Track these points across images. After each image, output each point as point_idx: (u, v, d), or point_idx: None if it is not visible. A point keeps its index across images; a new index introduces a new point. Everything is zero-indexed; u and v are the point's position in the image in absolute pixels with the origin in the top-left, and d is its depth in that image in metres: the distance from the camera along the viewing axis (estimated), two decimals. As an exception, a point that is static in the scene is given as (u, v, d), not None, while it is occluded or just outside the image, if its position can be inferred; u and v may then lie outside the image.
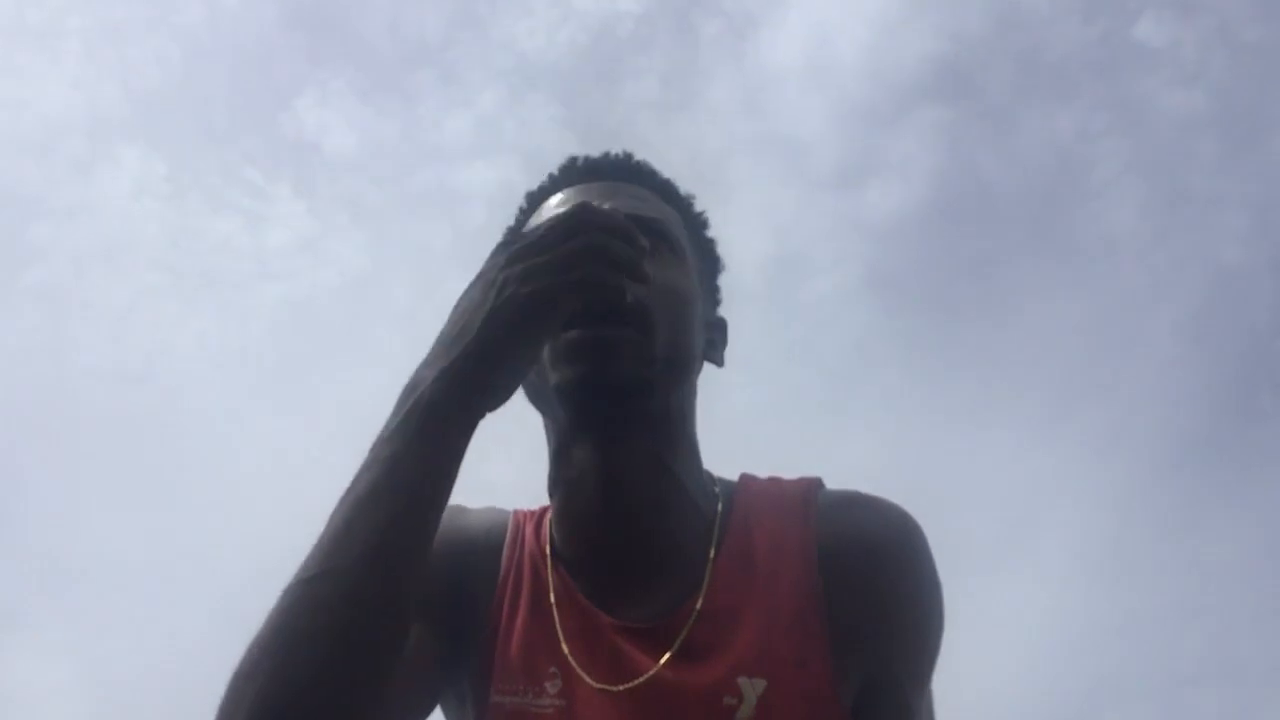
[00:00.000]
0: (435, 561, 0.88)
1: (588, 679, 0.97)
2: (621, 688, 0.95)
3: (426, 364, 0.88)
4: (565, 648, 0.99)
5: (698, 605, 0.97)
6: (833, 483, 1.06)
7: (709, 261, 1.15)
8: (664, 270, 1.01)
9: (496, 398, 0.88)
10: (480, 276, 0.89)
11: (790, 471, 1.09)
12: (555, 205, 1.07)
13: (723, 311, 1.16)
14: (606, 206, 1.00)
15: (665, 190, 1.12)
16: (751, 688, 0.92)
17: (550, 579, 1.03)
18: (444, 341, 0.88)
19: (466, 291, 0.89)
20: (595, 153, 1.13)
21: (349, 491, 0.85)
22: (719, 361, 1.11)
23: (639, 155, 1.13)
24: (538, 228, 0.89)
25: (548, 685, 0.98)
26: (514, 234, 0.88)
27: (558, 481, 1.04)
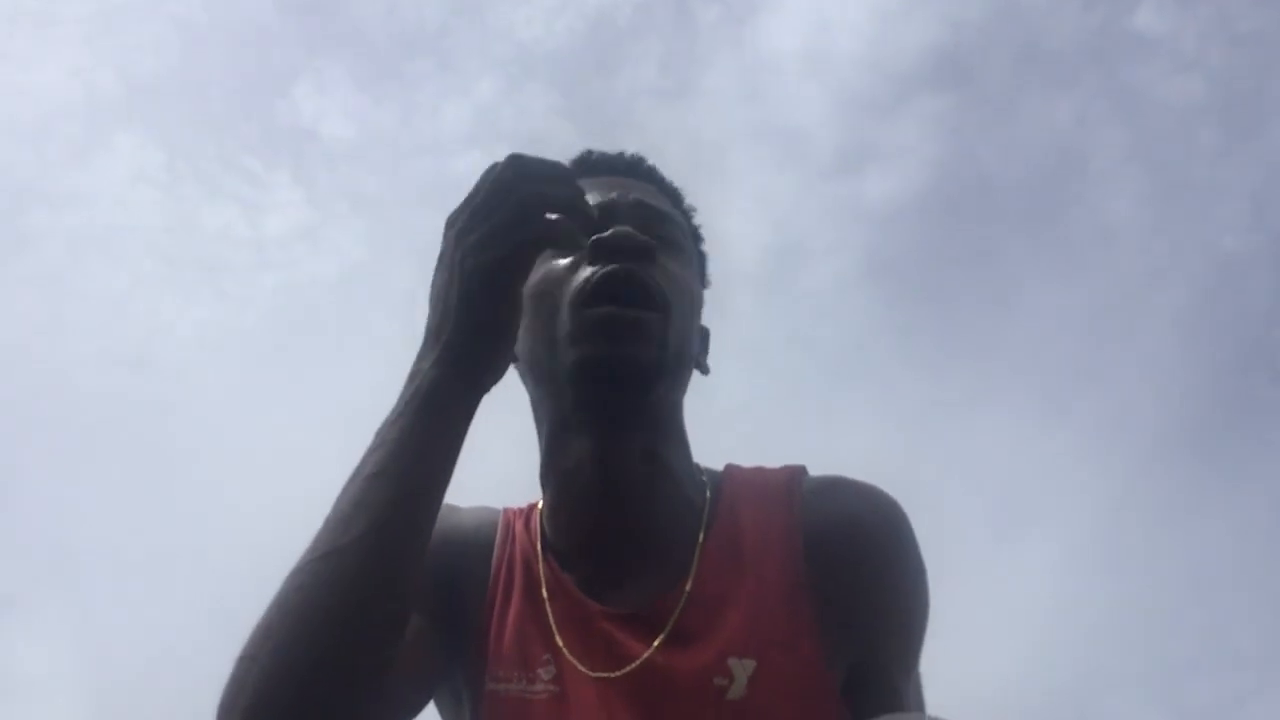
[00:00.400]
0: (428, 560, 0.90)
1: (580, 666, 0.98)
2: (614, 674, 0.96)
3: (421, 355, 0.91)
4: (558, 636, 1.00)
5: (687, 588, 0.99)
6: (830, 469, 1.08)
7: (702, 271, 1.17)
8: (675, 266, 1.04)
9: (491, 372, 0.90)
10: (440, 258, 0.91)
11: (788, 457, 1.10)
12: None
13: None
14: (619, 196, 1.04)
15: (673, 195, 1.15)
16: (741, 668, 0.94)
17: (541, 570, 1.04)
18: (430, 330, 0.91)
19: (434, 276, 0.92)
20: (609, 149, 1.14)
21: (354, 475, 0.87)
22: (705, 368, 1.12)
23: (641, 146, 1.17)
24: (475, 192, 0.90)
25: (541, 672, 0.99)
26: (459, 210, 0.89)
27: (552, 471, 1.05)
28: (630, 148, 1.16)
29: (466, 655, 1.03)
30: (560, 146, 1.13)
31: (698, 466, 1.09)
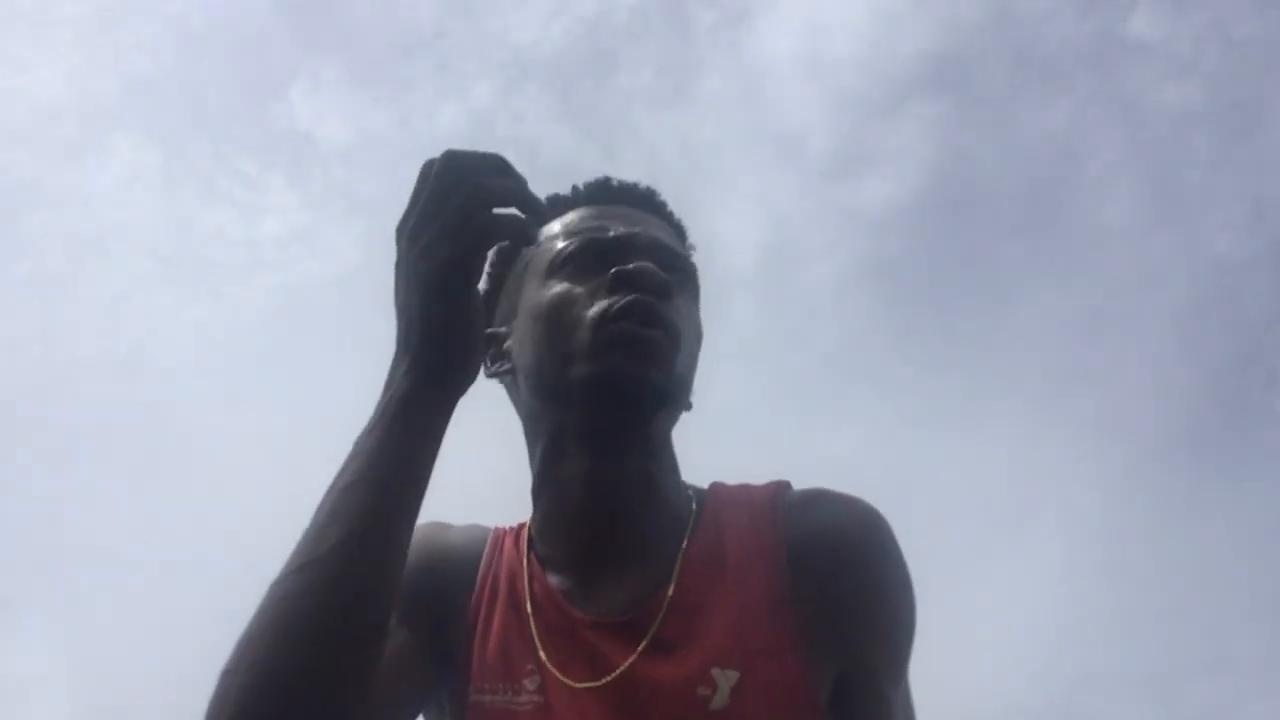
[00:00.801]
0: (415, 574, 0.91)
1: (564, 677, 0.98)
2: (598, 683, 0.96)
3: (394, 364, 0.92)
4: (542, 648, 1.00)
5: (669, 593, 0.99)
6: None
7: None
8: (687, 306, 1.07)
9: (460, 376, 0.91)
10: (396, 266, 0.92)
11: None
12: (580, 219, 1.09)
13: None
14: (641, 231, 1.06)
15: (680, 233, 1.16)
16: (725, 679, 0.94)
17: (527, 582, 1.05)
18: (399, 339, 0.92)
19: (395, 286, 0.92)
20: (626, 178, 1.15)
21: (331, 486, 0.88)
22: (690, 404, 1.12)
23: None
24: (417, 194, 0.90)
25: (526, 684, 0.99)
26: (406, 215, 0.89)
27: (545, 483, 1.06)
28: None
29: (452, 668, 1.04)
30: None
31: (684, 484, 1.10)
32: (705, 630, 0.97)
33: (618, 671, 0.96)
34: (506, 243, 0.92)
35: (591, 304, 1.01)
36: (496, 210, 0.88)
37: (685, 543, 1.03)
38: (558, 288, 1.03)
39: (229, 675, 0.81)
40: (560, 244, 1.06)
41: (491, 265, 1.13)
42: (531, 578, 1.05)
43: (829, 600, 0.97)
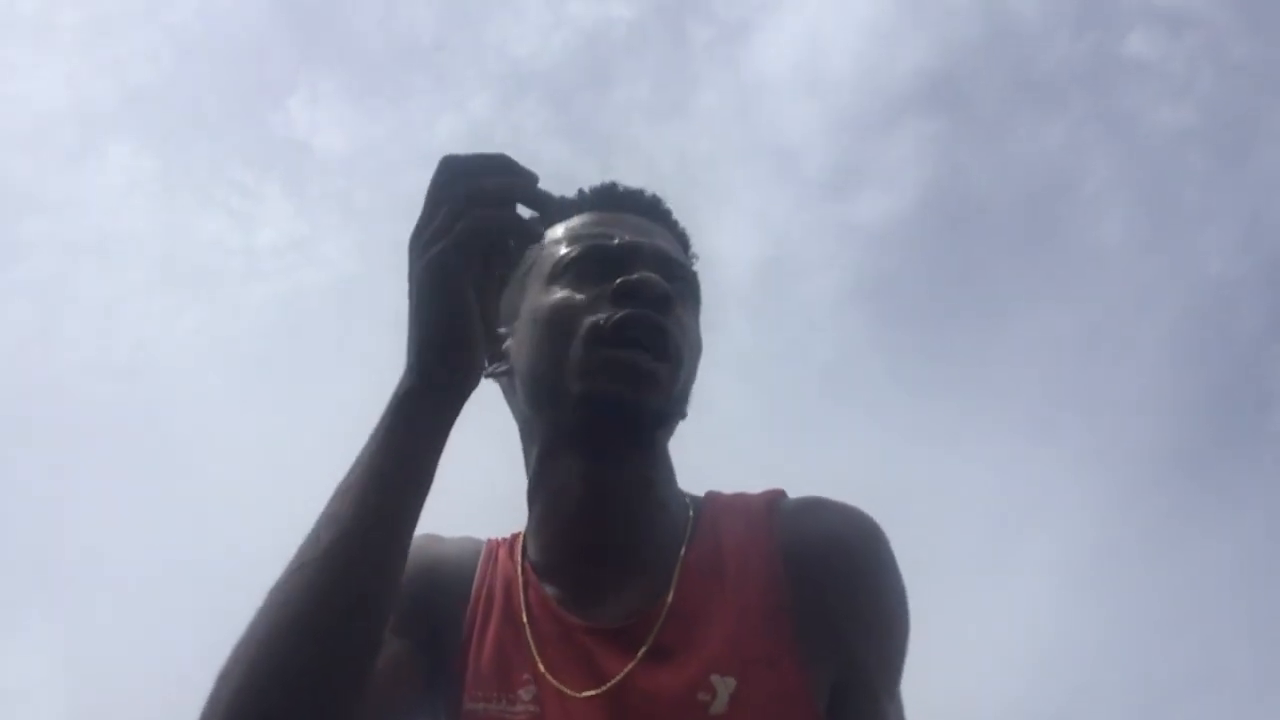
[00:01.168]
0: (410, 584, 0.91)
1: (561, 685, 0.98)
2: (595, 692, 0.96)
3: (404, 371, 0.91)
4: (538, 655, 1.00)
5: (668, 601, 0.99)
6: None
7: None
8: (689, 317, 1.06)
9: (461, 381, 0.90)
10: (408, 277, 0.92)
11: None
12: (584, 224, 1.09)
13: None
14: (646, 241, 1.06)
15: (684, 241, 1.16)
16: (724, 686, 0.94)
17: (523, 591, 1.05)
18: (409, 345, 0.91)
19: (407, 295, 0.92)
20: (632, 184, 1.15)
21: (337, 488, 0.88)
22: (685, 413, 1.12)
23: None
24: (425, 205, 0.91)
25: (521, 692, 0.99)
26: (420, 227, 0.90)
27: (541, 487, 1.06)
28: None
29: (447, 678, 1.03)
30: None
31: (681, 492, 1.11)
32: (704, 638, 0.97)
33: (615, 679, 0.96)
34: (511, 242, 0.92)
35: (591, 313, 1.01)
36: (495, 211, 0.88)
37: (684, 550, 1.03)
38: (559, 293, 1.03)
39: (223, 679, 0.81)
40: (563, 249, 1.06)
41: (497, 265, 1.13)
42: (526, 586, 1.05)
43: (826, 607, 0.97)
